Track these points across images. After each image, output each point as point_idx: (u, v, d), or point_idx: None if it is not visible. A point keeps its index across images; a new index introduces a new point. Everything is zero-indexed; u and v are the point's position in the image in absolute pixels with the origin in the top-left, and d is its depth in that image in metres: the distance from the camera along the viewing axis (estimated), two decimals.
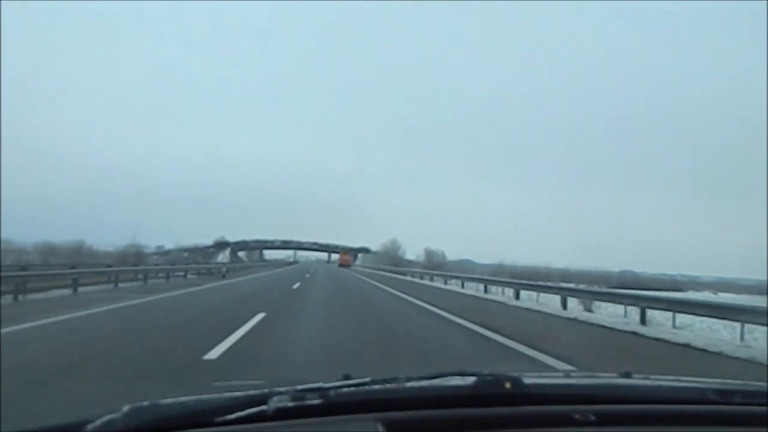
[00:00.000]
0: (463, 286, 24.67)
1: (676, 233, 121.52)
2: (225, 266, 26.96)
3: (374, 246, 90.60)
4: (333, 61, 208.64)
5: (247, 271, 35.94)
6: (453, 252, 73.26)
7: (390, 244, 75.73)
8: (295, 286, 19.43)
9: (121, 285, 17.45)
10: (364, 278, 31.48)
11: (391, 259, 65.61)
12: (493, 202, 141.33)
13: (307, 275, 29.20)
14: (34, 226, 45.13)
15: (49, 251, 30.60)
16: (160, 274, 21.40)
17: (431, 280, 31.46)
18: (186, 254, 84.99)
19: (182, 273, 24.89)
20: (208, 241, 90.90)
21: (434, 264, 65.16)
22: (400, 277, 36.85)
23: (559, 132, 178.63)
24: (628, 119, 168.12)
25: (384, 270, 47.84)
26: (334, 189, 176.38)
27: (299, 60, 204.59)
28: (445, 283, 28.09)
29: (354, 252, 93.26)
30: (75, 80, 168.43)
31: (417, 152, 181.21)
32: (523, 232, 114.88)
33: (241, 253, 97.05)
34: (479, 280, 23.74)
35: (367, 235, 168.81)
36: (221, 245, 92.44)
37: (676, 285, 55.55)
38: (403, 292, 18.41)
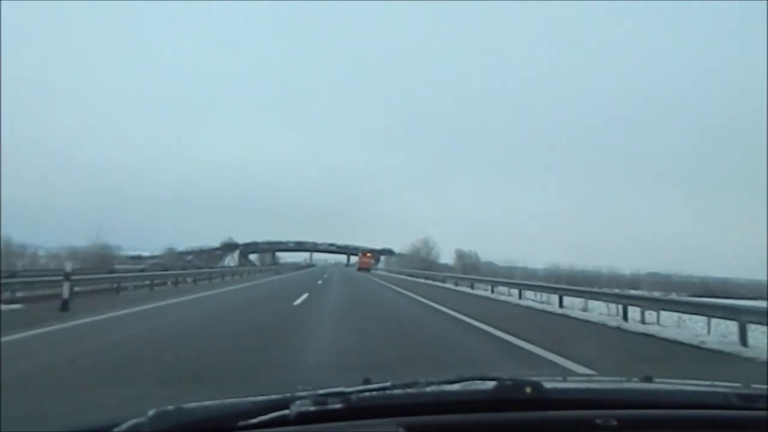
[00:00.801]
0: (521, 297, 18.19)
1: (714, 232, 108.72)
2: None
3: (398, 248, 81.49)
4: (348, 61, 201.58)
5: (208, 286, 20.59)
6: (483, 254, 63.87)
7: (421, 244, 64.82)
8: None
9: None
10: (405, 292, 22.11)
11: (422, 262, 55.24)
12: (519, 203, 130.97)
13: (302, 299, 14.31)
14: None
15: None
16: None
17: (472, 287, 24.07)
18: (190, 257, 77.20)
19: None
20: (216, 242, 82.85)
21: (469, 267, 56.22)
22: (456, 289, 25.61)
23: (586, 130, 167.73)
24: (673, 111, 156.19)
25: (418, 276, 37.64)
26: (353, 190, 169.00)
27: (312, 60, 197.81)
28: (493, 291, 21.30)
29: (376, 254, 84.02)
30: (80, 80, 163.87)
31: (442, 153, 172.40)
32: (549, 232, 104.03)
33: (252, 256, 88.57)
34: (551, 290, 16.56)
35: (389, 237, 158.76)
36: (229, 247, 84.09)
37: None
38: (492, 326, 9.14)
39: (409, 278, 36.62)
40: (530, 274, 43.73)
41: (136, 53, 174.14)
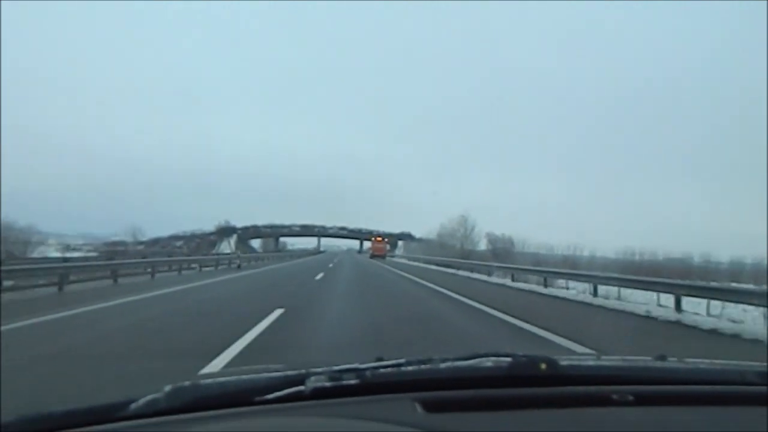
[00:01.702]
0: (596, 294, 11.94)
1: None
2: None
3: (418, 232, 71.20)
4: (366, 50, 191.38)
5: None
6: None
7: (457, 224, 51.25)
8: None
9: None
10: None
11: (455, 250, 43.90)
12: (535, 188, 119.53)
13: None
14: None
15: None
16: None
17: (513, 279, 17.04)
18: (180, 243, 67.72)
19: None
20: (211, 226, 73.29)
21: (503, 253, 46.02)
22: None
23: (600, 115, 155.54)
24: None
25: (460, 267, 27.04)
26: (368, 174, 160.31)
27: (323, 44, 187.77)
28: (546, 286, 14.68)
29: (393, 238, 73.85)
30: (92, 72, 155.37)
31: (463, 138, 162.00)
32: (574, 217, 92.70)
33: (254, 242, 78.91)
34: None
35: (408, 222, 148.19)
36: (225, 231, 74.39)
37: None
38: None
39: (448, 270, 26.46)
40: (600, 263, 33.39)
41: (141, 48, 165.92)
